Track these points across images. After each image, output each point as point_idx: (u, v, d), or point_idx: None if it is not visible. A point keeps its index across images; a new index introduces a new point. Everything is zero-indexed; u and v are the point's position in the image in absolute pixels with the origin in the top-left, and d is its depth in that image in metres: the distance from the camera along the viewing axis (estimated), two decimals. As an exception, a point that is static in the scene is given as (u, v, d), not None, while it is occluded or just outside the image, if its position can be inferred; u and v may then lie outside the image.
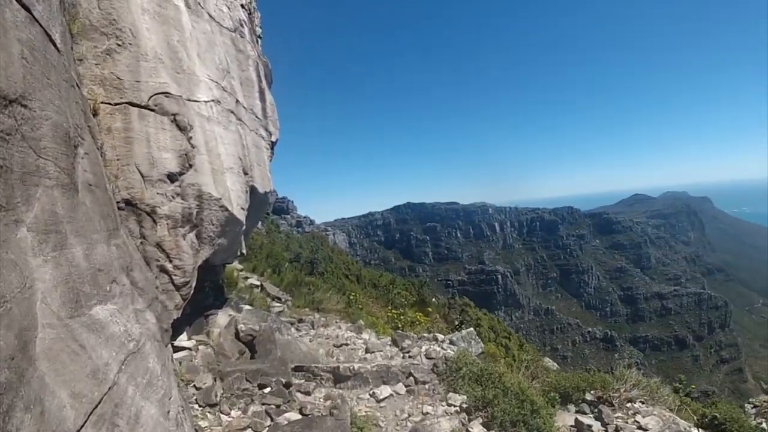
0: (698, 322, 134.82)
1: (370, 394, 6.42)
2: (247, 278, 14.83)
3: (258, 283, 14.61)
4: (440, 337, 10.10)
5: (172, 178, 5.48)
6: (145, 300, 4.43)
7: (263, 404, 5.25)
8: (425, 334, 10.54)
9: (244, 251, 8.66)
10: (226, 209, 6.12)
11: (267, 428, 4.93)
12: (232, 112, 6.89)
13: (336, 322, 12.29)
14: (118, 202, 5.08)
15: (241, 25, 8.22)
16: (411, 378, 6.79)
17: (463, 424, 6.04)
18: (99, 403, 2.92)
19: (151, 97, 5.48)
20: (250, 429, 4.90)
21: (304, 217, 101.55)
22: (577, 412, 6.75)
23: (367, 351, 9.24)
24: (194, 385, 5.46)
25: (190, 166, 5.67)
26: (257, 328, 6.99)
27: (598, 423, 6.26)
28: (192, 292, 6.01)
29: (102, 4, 5.36)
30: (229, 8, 7.81)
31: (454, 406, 6.37)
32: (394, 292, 22.93)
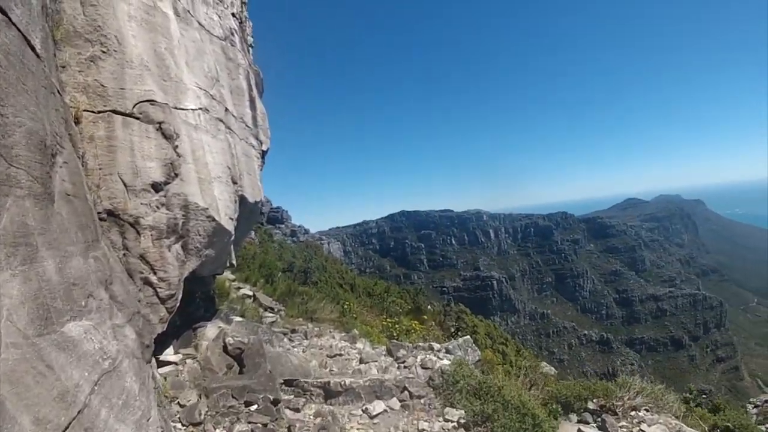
0: (694, 322, 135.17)
1: (362, 410, 6.14)
2: (239, 288, 14.61)
3: (250, 293, 14.39)
4: (436, 346, 9.90)
5: (156, 187, 5.31)
6: (125, 315, 4.25)
7: (249, 423, 5.00)
8: (421, 343, 10.34)
9: (234, 262, 8.47)
10: (214, 219, 5.95)
11: (252, 450, 4.75)
12: (221, 120, 6.73)
13: (330, 331, 12.08)
14: (99, 213, 4.90)
15: (232, 34, 8.09)
16: (406, 392, 6.50)
17: None
18: (66, 428, 2.74)
19: (136, 104, 5.32)
20: (233, 451, 4.72)
21: (299, 227, 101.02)
22: (579, 421, 6.54)
23: (361, 361, 9.04)
24: (179, 403, 5.24)
25: (176, 175, 5.50)
26: (246, 341, 6.76)
27: (602, 432, 6.08)
28: (178, 305, 5.82)
29: (87, 10, 5.21)
30: (219, 17, 7.69)
31: (452, 421, 6.08)
32: (389, 300, 22.71)
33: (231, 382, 5.64)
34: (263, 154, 9.01)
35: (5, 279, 2.76)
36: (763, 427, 7.99)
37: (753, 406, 15.86)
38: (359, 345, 10.50)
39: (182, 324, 7.63)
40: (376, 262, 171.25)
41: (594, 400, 6.84)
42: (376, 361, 9.04)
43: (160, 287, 5.42)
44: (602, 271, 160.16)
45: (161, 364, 6.14)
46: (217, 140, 6.44)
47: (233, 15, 8.42)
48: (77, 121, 4.91)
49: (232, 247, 7.93)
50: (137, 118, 5.25)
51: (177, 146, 5.56)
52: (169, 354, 6.38)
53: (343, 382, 6.16)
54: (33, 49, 3.83)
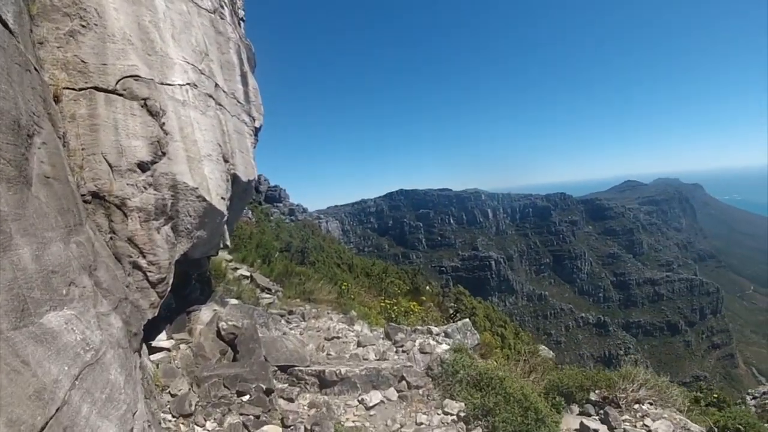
0: (690, 307, 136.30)
1: (358, 401, 5.97)
2: (236, 269, 14.45)
3: (248, 273, 14.23)
4: (435, 329, 9.75)
5: (143, 167, 5.06)
6: (111, 302, 4.05)
7: (241, 414, 4.82)
8: (419, 327, 10.19)
9: (228, 243, 8.27)
10: (204, 199, 5.71)
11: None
12: (211, 96, 6.45)
13: (327, 313, 11.96)
14: (83, 195, 4.67)
15: (221, 6, 7.74)
16: (403, 382, 6.34)
17: None
18: (43, 429, 2.54)
19: (119, 80, 5.05)
20: (224, 444, 4.58)
21: (297, 205, 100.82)
22: (580, 413, 6.38)
23: (359, 345, 8.92)
24: (170, 392, 5.07)
25: (163, 154, 5.25)
26: (240, 326, 6.58)
27: (605, 426, 5.84)
28: (169, 288, 5.63)
29: (64, -18, 4.91)
30: (208, -12, 7.35)
31: (451, 414, 5.87)
32: (387, 280, 22.60)
33: (223, 370, 5.46)
34: (256, 131, 8.73)
35: (-27, 270, 2.56)
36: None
37: (751, 397, 15.92)
38: (357, 327, 10.38)
39: (178, 307, 7.45)
40: (375, 241, 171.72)
41: (596, 391, 6.68)
42: (374, 344, 8.91)
43: (149, 271, 5.22)
44: (600, 254, 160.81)
45: (154, 350, 5.97)
46: (206, 117, 6.16)
47: (224, -14, 8.07)
48: (57, 100, 4.65)
49: (225, 227, 7.72)
50: (121, 95, 4.98)
51: (164, 123, 5.30)
52: (161, 340, 6.19)
53: (338, 371, 5.97)
54: (5, 24, 3.58)
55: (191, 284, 8.29)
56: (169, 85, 5.56)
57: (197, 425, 4.61)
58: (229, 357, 6.35)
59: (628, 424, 5.92)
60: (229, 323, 6.62)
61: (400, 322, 11.70)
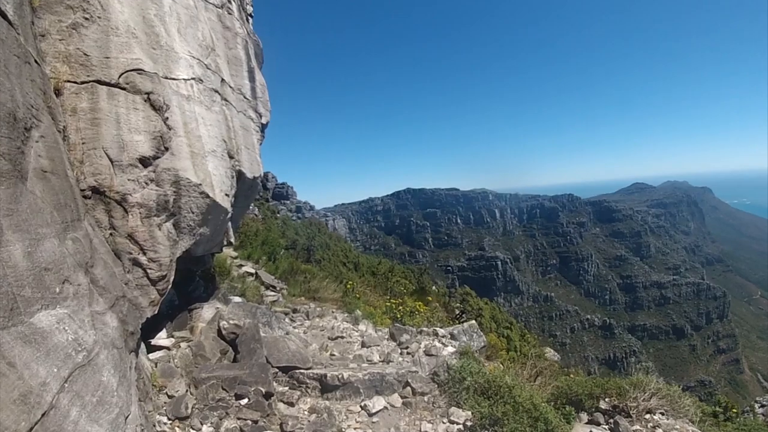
0: (696, 312, 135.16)
1: (361, 407, 5.76)
2: (241, 266, 14.36)
3: (252, 271, 14.13)
4: (441, 331, 9.58)
5: (145, 162, 4.95)
6: (107, 300, 3.94)
7: (239, 419, 4.66)
8: (424, 328, 10.02)
9: (233, 240, 8.16)
10: (208, 196, 5.59)
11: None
12: (217, 91, 6.33)
13: (332, 312, 11.83)
14: (83, 190, 4.57)
15: (229, 1, 7.62)
16: (408, 388, 6.13)
17: None
18: (27, 435, 2.43)
19: (122, 74, 4.95)
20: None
21: (304, 203, 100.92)
22: (589, 422, 6.16)
23: (363, 345, 8.78)
24: (167, 393, 4.95)
25: (166, 149, 5.14)
26: (242, 325, 6.45)
27: (615, 437, 5.74)
28: (170, 286, 5.52)
29: (67, -25, 4.80)
30: (215, -18, 7.22)
31: (457, 423, 5.63)
32: (393, 280, 22.43)
33: (221, 372, 5.32)
34: (263, 127, 8.60)
35: (-41, 267, 2.45)
36: None
37: (759, 405, 15.70)
38: (362, 327, 10.25)
39: (181, 304, 7.35)
40: (381, 240, 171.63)
41: (606, 399, 6.48)
42: (378, 345, 8.78)
43: (150, 268, 5.12)
44: (607, 256, 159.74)
45: (153, 348, 5.85)
46: (211, 112, 6.04)
47: (231, -19, 7.95)
48: (58, 93, 4.56)
49: (229, 224, 7.61)
50: (123, 89, 4.88)
51: (167, 118, 5.19)
52: (161, 338, 6.08)
53: (341, 376, 5.78)
54: (4, 15, 3.49)
55: (195, 281, 8.19)
56: (174, 79, 5.45)
57: (193, 429, 4.48)
58: (230, 357, 6.22)
59: (639, 434, 5.72)
60: (231, 322, 6.49)
61: (406, 322, 11.55)
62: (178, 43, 5.68)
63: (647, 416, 6.13)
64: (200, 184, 5.46)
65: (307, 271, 16.86)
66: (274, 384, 5.68)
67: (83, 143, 4.61)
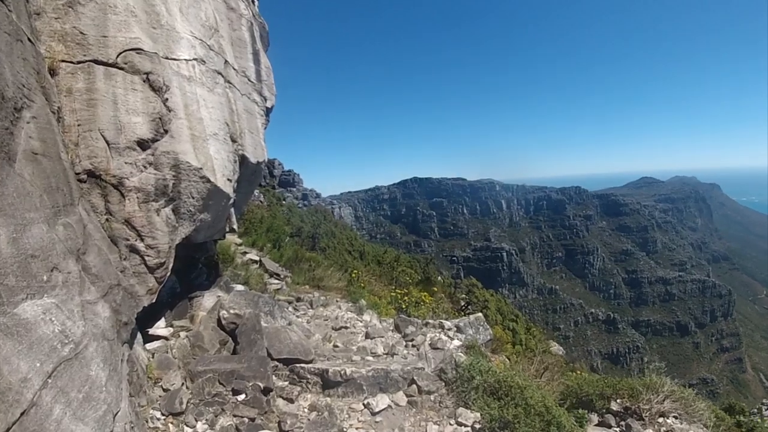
0: (701, 309, 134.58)
1: (364, 405, 5.52)
2: (245, 253, 14.22)
3: (257, 258, 13.98)
4: (447, 324, 9.37)
5: (143, 145, 4.75)
6: (100, 288, 3.76)
7: (235, 416, 4.47)
8: (430, 320, 9.84)
9: (235, 227, 7.98)
10: (209, 180, 5.39)
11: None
12: (220, 73, 6.10)
13: (336, 301, 11.68)
14: (78, 174, 4.39)
15: (234, -20, 7.37)
16: (414, 386, 5.87)
17: None
18: (3, 436, 2.26)
19: (120, 54, 4.74)
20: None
21: (310, 190, 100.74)
22: (600, 423, 5.95)
23: (367, 336, 8.61)
24: (162, 386, 4.79)
25: (165, 131, 4.93)
26: (242, 315, 6.26)
27: (627, 440, 5.53)
28: (168, 274, 5.34)
29: (63, -51, 4.58)
30: (220, -39, 6.96)
31: (465, 426, 5.35)
32: (399, 269, 22.26)
33: (219, 365, 5.13)
34: (268, 111, 8.37)
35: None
36: None
37: (766, 407, 15.49)
38: (366, 317, 10.09)
39: (183, 291, 7.19)
40: (387, 229, 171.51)
41: (618, 401, 6.26)
42: (383, 336, 8.61)
43: (147, 255, 4.93)
44: (613, 250, 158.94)
45: (152, 338, 5.69)
46: (214, 94, 5.82)
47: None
48: (53, 73, 4.38)
49: (232, 210, 7.42)
50: (121, 69, 4.68)
51: (167, 99, 4.98)
52: (160, 327, 5.90)
53: (343, 372, 5.56)
54: (-8, -8, 3.29)
55: (198, 268, 8.03)
56: (175, 59, 5.23)
57: (187, 426, 4.30)
58: (230, 348, 6.05)
59: (652, 438, 5.50)
60: (231, 312, 6.31)
61: (411, 313, 11.38)
62: (180, 23, 5.45)
63: (660, 420, 5.91)
64: (201, 168, 5.25)
65: (311, 259, 16.72)
66: (274, 378, 5.48)
67: (79, 125, 4.42)
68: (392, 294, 14.45)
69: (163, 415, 4.34)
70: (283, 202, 47.24)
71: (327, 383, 5.53)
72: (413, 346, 8.17)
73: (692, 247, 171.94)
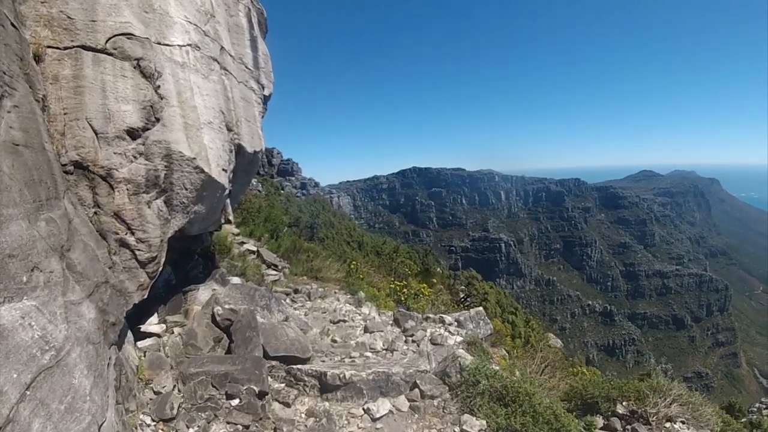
0: (697, 303, 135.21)
1: (364, 410, 5.28)
2: (242, 243, 14.01)
3: (254, 248, 13.78)
4: (447, 318, 9.20)
5: (133, 134, 4.51)
6: (85, 287, 3.55)
7: (228, 422, 4.25)
8: (430, 315, 9.67)
9: (231, 218, 7.76)
10: (202, 171, 5.14)
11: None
12: (215, 59, 5.84)
13: (335, 293, 11.52)
14: (64, 165, 4.15)
15: (232, -36, 7.09)
16: (416, 390, 5.62)
17: None
18: (-30, 459, 2.06)
19: (110, 39, 4.49)
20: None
21: (309, 179, 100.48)
22: (605, 427, 5.75)
23: (365, 330, 8.45)
24: (152, 389, 4.59)
25: (157, 120, 4.68)
26: (238, 311, 6.05)
27: (634, 445, 5.35)
28: (161, 269, 5.12)
29: (49, -70, 4.32)
30: (216, -57, 6.67)
31: None
32: (398, 260, 22.10)
33: (212, 366, 4.91)
34: (265, 99, 8.11)
35: None
36: None
37: (765, 406, 15.50)
38: (365, 310, 9.93)
39: (178, 284, 6.98)
40: (386, 218, 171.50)
41: (624, 403, 6.09)
42: (382, 331, 8.45)
43: (138, 249, 4.71)
44: (611, 242, 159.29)
45: (143, 336, 5.47)
46: (209, 81, 5.56)
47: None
48: (39, 59, 4.13)
49: (228, 201, 7.20)
50: (111, 54, 4.43)
51: (159, 86, 4.72)
52: (152, 323, 5.68)
53: (342, 375, 5.30)
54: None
55: (194, 259, 7.83)
56: (168, 45, 4.97)
57: (178, 432, 4.11)
58: (224, 345, 5.84)
59: (658, 443, 5.32)
60: (226, 307, 6.09)
61: (410, 305, 11.22)
62: (174, 7, 5.18)
63: (667, 425, 5.72)
64: (194, 158, 5.01)
65: (309, 249, 16.54)
66: (270, 380, 5.26)
67: (65, 114, 4.18)
68: (391, 286, 14.32)
69: (153, 421, 4.13)
70: (282, 191, 46.93)
71: (325, 386, 5.31)
72: (413, 341, 8.01)
73: (690, 241, 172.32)
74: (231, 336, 5.80)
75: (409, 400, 5.47)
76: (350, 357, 6.92)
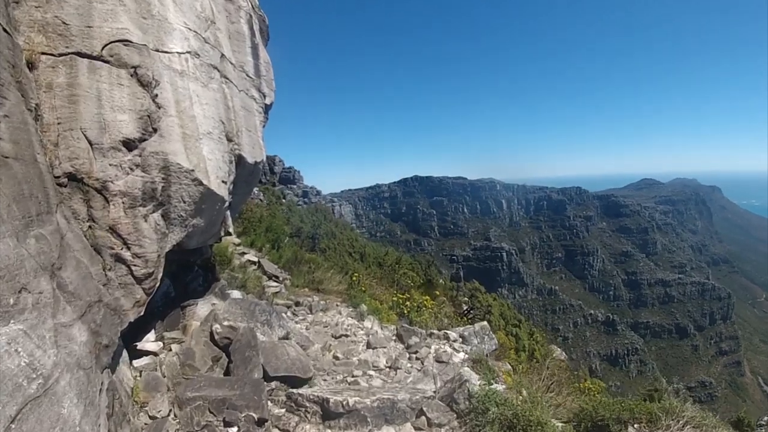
0: (700, 311, 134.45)
1: None
2: (243, 254, 13.81)
3: (255, 259, 13.58)
4: (452, 335, 8.99)
5: (129, 145, 4.34)
6: (77, 308, 3.35)
7: None
8: (435, 330, 9.47)
9: (231, 230, 7.58)
10: (201, 183, 4.97)
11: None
12: (215, 67, 5.69)
13: (336, 305, 11.31)
14: (58, 177, 3.97)
15: (233, -29, 6.96)
16: (423, 417, 5.35)
17: None
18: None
19: (106, 45, 4.33)
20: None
21: (311, 188, 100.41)
22: None
23: (368, 346, 8.24)
24: (148, 412, 4.38)
25: (154, 130, 4.52)
26: (237, 329, 5.83)
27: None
28: (157, 285, 4.93)
29: (45, -66, 4.18)
30: (216, -51, 6.54)
31: None
32: (400, 272, 21.86)
33: (209, 390, 4.68)
34: (266, 108, 7.96)
35: None
36: None
37: (769, 421, 15.25)
38: (367, 324, 9.72)
39: (177, 297, 6.78)
40: (387, 227, 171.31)
41: (635, 426, 5.85)
42: (385, 347, 8.24)
43: (135, 265, 4.52)
44: (613, 251, 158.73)
45: (139, 354, 5.26)
46: (208, 90, 5.40)
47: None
48: (32, 66, 3.97)
49: (228, 213, 7.02)
50: (107, 62, 4.28)
51: (156, 95, 4.56)
52: (149, 341, 5.46)
53: (345, 402, 5.01)
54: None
55: (193, 271, 7.64)
56: (166, 52, 4.82)
57: (173, 463, 3.90)
58: (223, 365, 5.61)
59: (671, 468, 5.08)
60: (225, 325, 5.88)
61: (413, 319, 11.01)
62: (173, 13, 5.04)
63: (680, 448, 5.48)
64: (193, 170, 4.84)
65: (311, 260, 16.35)
66: (269, 405, 5.01)
67: (59, 123, 4.01)
68: (394, 299, 14.12)
69: (147, 449, 3.94)
70: (283, 200, 46.75)
71: (327, 414, 5.03)
72: (417, 359, 7.80)
73: (692, 249, 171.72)
74: (230, 356, 5.57)
75: (415, 429, 5.16)
76: (353, 376, 6.70)
